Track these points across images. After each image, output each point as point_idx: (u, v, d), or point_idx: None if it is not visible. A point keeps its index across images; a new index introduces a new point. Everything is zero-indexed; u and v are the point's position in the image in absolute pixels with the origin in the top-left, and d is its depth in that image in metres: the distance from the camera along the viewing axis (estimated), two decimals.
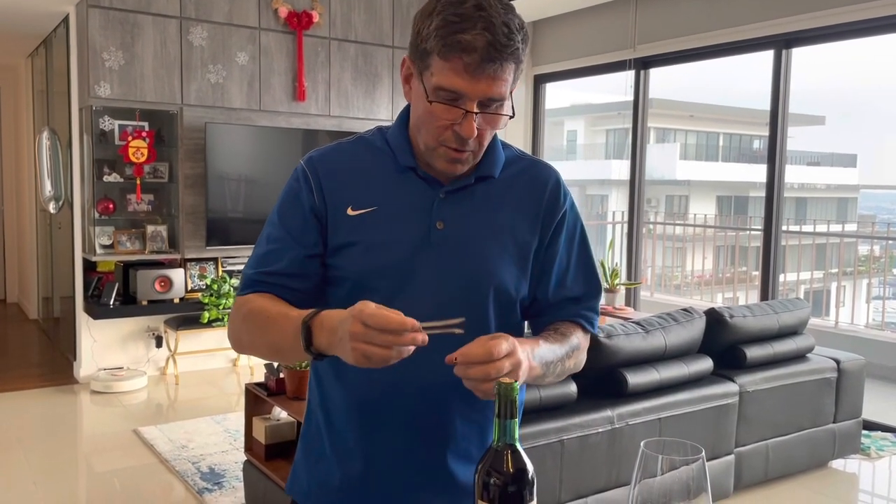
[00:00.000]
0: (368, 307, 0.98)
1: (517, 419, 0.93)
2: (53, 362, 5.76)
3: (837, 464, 3.91)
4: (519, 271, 1.24)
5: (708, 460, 3.45)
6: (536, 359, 1.12)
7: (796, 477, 3.68)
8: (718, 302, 8.30)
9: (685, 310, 3.37)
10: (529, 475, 0.93)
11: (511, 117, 1.17)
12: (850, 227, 13.05)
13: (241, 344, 1.24)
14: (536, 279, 1.27)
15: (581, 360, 1.29)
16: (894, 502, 3.79)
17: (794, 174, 16.86)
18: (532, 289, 1.28)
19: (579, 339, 1.28)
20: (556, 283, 1.29)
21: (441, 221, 1.20)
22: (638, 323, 3.18)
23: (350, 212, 1.20)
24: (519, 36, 1.10)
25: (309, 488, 1.30)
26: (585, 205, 18.33)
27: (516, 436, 0.93)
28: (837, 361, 3.75)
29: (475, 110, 1.12)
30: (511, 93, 1.15)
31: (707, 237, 9.37)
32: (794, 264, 7.79)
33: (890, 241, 8.33)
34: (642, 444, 0.92)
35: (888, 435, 4.31)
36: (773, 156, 4.91)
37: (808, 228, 9.34)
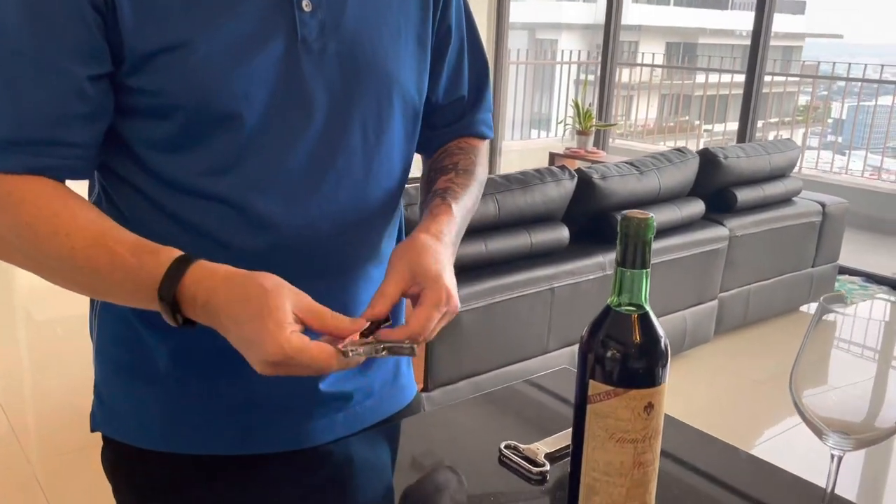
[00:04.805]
0: (292, 341, 0.66)
1: (648, 269, 0.66)
2: None
3: (810, 308, 3.89)
4: (420, 65, 0.88)
5: (693, 306, 3.23)
6: (455, 242, 0.84)
7: (771, 321, 3.64)
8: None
9: (678, 149, 3.14)
10: (662, 345, 0.67)
11: None
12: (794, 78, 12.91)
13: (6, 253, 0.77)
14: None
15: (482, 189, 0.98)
16: (859, 344, 3.81)
17: (742, 20, 16.39)
18: None
19: (483, 164, 0.96)
20: (448, 76, 0.94)
21: (308, 1, 0.77)
22: (631, 163, 2.93)
23: None
24: None
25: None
26: (535, 48, 17.66)
27: (645, 293, 0.66)
28: (823, 205, 3.63)
29: None
30: None
31: (653, 86, 9.05)
32: (735, 113, 7.64)
33: (829, 91, 8.22)
34: (822, 299, 0.67)
35: (855, 279, 4.31)
36: (763, 1, 4.62)
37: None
